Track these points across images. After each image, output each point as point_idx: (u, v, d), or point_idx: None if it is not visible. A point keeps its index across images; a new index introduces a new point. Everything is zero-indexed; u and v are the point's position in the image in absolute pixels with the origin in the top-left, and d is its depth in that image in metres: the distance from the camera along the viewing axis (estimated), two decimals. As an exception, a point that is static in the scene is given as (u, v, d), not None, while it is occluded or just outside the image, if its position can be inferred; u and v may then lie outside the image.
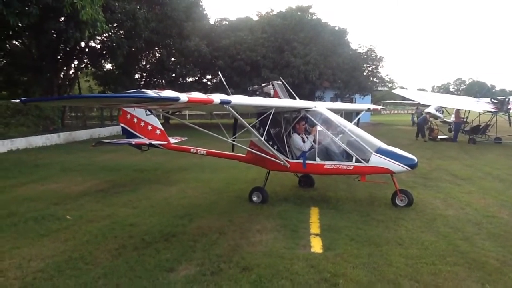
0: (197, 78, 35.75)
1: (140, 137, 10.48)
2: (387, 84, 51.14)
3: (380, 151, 7.84)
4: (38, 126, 20.55)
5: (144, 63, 35.09)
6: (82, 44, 25.84)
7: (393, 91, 35.42)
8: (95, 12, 16.10)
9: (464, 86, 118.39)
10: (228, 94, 6.83)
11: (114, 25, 24.41)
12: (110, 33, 24.01)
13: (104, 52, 27.75)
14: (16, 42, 26.43)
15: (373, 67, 36.96)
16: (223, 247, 5.85)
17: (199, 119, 39.65)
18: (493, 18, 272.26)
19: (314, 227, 6.77)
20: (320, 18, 34.76)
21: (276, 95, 8.90)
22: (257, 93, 9.12)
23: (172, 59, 32.19)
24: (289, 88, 9.44)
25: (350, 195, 9.07)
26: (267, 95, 8.91)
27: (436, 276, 4.91)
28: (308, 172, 8.78)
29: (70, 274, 4.98)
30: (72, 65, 28.45)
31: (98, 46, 27.85)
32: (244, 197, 8.66)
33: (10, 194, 9.38)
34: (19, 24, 17.80)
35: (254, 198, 8.36)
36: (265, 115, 7.79)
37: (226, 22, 34.91)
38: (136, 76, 34.80)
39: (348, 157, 7.86)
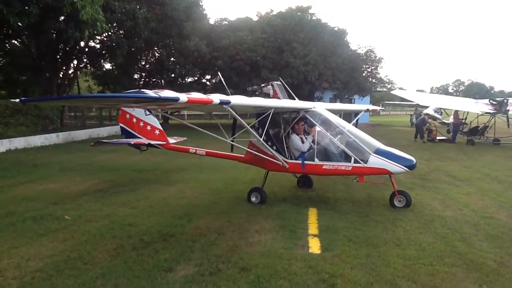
0: (196, 78, 35.76)
1: (139, 137, 10.49)
2: (386, 85, 51.11)
3: (378, 152, 7.85)
4: (37, 125, 20.56)
5: (143, 63, 35.10)
6: (82, 43, 25.85)
7: (392, 92, 35.47)
8: (95, 12, 16.12)
9: (463, 87, 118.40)
10: (227, 94, 6.84)
11: (114, 25, 24.42)
12: (109, 33, 24.03)
13: (104, 52, 27.76)
14: (16, 42, 26.41)
15: (372, 68, 36.93)
16: (221, 248, 5.86)
17: (198, 119, 39.63)
18: (492, 19, 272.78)
19: (312, 228, 6.79)
20: (319, 19, 34.80)
21: (275, 96, 8.91)
22: (257, 93, 9.12)
23: (172, 59, 32.21)
24: (288, 89, 9.45)
25: (349, 196, 9.09)
26: (266, 95, 8.91)
27: (434, 277, 4.92)
28: (306, 172, 8.79)
29: (69, 274, 4.99)
30: (72, 65, 28.45)
31: (98, 46, 27.87)
32: (242, 198, 8.67)
33: (9, 194, 9.38)
34: (19, 24, 17.80)
35: (253, 199, 8.37)
36: (264, 115, 7.80)
37: (226, 22, 34.92)
38: (136, 76, 34.79)
39: (347, 158, 7.87)
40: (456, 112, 22.58)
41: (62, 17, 19.24)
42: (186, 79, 34.83)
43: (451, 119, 24.44)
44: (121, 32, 25.57)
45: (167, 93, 5.34)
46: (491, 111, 20.34)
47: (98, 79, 33.32)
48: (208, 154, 9.57)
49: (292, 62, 29.41)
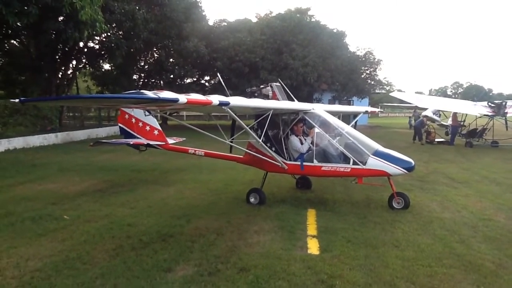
0: (195, 79, 35.75)
1: (138, 138, 10.49)
2: (385, 87, 51.21)
3: (377, 153, 7.87)
4: (36, 126, 20.53)
5: (142, 64, 35.09)
6: (81, 44, 25.87)
7: (390, 94, 35.45)
8: (94, 12, 16.14)
9: (462, 90, 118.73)
10: (226, 95, 6.85)
11: (113, 25, 24.44)
12: (109, 34, 24.06)
13: (103, 53, 27.77)
14: (15, 42, 26.39)
15: (371, 69, 36.97)
16: (220, 248, 5.87)
17: (196, 120, 39.63)
18: (491, 22, 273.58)
19: (311, 229, 6.80)
20: (318, 21, 34.84)
21: (274, 97, 8.91)
22: (256, 94, 9.12)
23: (171, 60, 32.23)
24: (287, 90, 9.47)
25: (347, 197, 9.11)
26: (266, 96, 8.91)
27: (432, 278, 4.94)
28: (305, 174, 8.81)
29: (68, 274, 4.99)
30: (71, 65, 28.48)
31: (97, 47, 27.89)
32: (241, 198, 8.67)
33: (8, 194, 9.37)
34: (18, 24, 17.79)
35: (252, 200, 8.38)
36: (263, 116, 7.82)
37: (225, 24, 34.94)
38: (135, 77, 34.79)
39: (346, 160, 7.88)
40: (455, 114, 22.64)
41: (61, 18, 19.23)
42: (185, 80, 34.82)
43: (449, 121, 24.49)
44: (120, 32, 25.58)
45: (166, 94, 5.36)
46: (490, 114, 20.39)
47: (97, 80, 33.29)
48: (207, 155, 9.58)
49: (291, 64, 29.44)
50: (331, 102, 34.79)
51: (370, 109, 13.52)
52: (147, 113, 10.43)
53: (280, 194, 9.28)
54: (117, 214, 7.68)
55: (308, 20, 34.38)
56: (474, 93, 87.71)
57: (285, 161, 8.29)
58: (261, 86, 9.31)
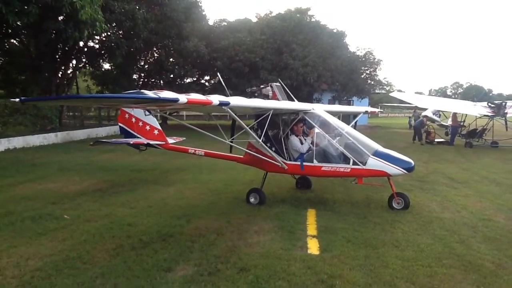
0: (195, 79, 35.76)
1: (138, 137, 10.50)
2: (385, 87, 51.24)
3: (377, 154, 7.87)
4: (36, 125, 20.53)
5: (142, 64, 35.08)
6: (81, 43, 25.86)
7: (390, 94, 35.43)
8: (94, 12, 16.16)
9: (462, 90, 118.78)
10: (226, 95, 6.86)
11: (113, 25, 24.45)
12: (109, 33, 24.06)
13: (103, 52, 27.76)
14: (15, 41, 26.39)
15: (371, 69, 36.97)
16: (220, 248, 5.87)
17: (196, 120, 39.63)
18: (490, 22, 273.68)
19: (311, 229, 6.81)
20: (318, 21, 34.85)
21: (274, 97, 8.92)
22: (256, 94, 9.12)
23: (171, 59, 32.24)
24: (287, 90, 9.47)
25: (347, 197, 9.11)
26: (266, 96, 8.92)
27: (432, 278, 4.95)
28: (305, 174, 8.81)
29: (68, 273, 5.00)
30: (71, 65, 28.47)
31: (97, 46, 27.88)
32: (241, 198, 8.68)
33: (8, 193, 9.37)
34: (18, 23, 17.79)
35: (252, 200, 8.38)
36: (263, 116, 7.82)
37: (225, 23, 34.94)
38: (135, 77, 34.79)
39: (346, 160, 7.88)
40: (455, 114, 22.65)
41: (61, 17, 19.24)
42: (185, 80, 34.83)
43: (449, 122, 24.50)
44: (120, 32, 25.58)
45: (167, 94, 5.36)
46: (490, 114, 20.41)
47: (97, 79, 33.29)
48: (207, 155, 9.58)
49: (291, 64, 29.44)
50: (331, 102, 34.79)
51: (370, 109, 13.51)
52: (147, 112, 10.44)
53: (280, 194, 9.29)
54: (117, 213, 7.69)
55: (308, 20, 34.38)
56: (474, 93, 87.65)
57: (285, 161, 8.29)
58: (261, 86, 9.31)
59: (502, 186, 10.72)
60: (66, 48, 24.75)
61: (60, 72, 27.05)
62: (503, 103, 20.54)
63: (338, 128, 8.32)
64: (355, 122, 11.17)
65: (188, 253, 5.66)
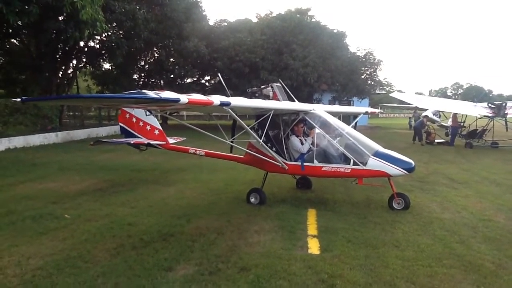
0: (195, 79, 35.78)
1: (138, 137, 10.50)
2: (385, 87, 51.14)
3: (377, 154, 7.88)
4: (36, 125, 20.54)
5: (143, 64, 35.10)
6: (81, 43, 25.87)
7: (390, 94, 35.40)
8: (95, 12, 16.17)
9: (462, 91, 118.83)
10: (227, 95, 6.87)
11: (114, 25, 24.47)
12: (109, 33, 24.07)
13: (103, 52, 27.77)
14: (15, 41, 26.40)
15: (371, 70, 36.99)
16: (221, 247, 5.88)
17: (197, 120, 39.65)
18: (491, 22, 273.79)
19: (312, 229, 6.82)
20: (319, 21, 34.88)
21: (275, 97, 8.93)
22: (256, 95, 9.13)
23: (171, 59, 32.25)
24: (288, 91, 9.48)
25: (347, 197, 9.12)
26: (266, 97, 8.93)
27: (432, 278, 4.95)
28: (306, 174, 8.82)
29: (69, 272, 5.01)
30: (71, 65, 28.48)
31: (97, 46, 27.87)
32: (242, 198, 8.69)
33: (8, 193, 9.39)
34: (19, 23, 17.80)
35: (252, 199, 8.39)
36: (264, 117, 7.84)
37: (226, 24, 34.97)
38: (135, 77, 34.81)
39: (346, 160, 7.89)
40: (455, 115, 22.66)
41: (62, 17, 19.26)
42: (185, 80, 34.85)
43: (449, 122, 24.51)
44: (120, 32, 25.60)
45: (168, 94, 5.37)
46: (490, 115, 20.41)
47: (97, 79, 33.31)
48: (208, 155, 9.58)
49: (291, 64, 29.45)
50: (331, 102, 34.79)
51: (370, 109, 13.50)
52: (148, 112, 10.44)
53: (281, 194, 9.30)
54: (117, 213, 7.70)
55: (308, 21, 34.41)
56: (474, 94, 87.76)
57: (285, 161, 8.30)
58: (262, 87, 9.33)
59: (502, 186, 10.72)
60: (67, 48, 24.77)
61: (61, 72, 27.08)
62: (503, 104, 20.54)
63: (338, 128, 8.33)
64: (355, 123, 11.18)
65: (188, 253, 5.67)
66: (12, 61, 27.21)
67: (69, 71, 28.48)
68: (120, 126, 10.91)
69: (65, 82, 27.75)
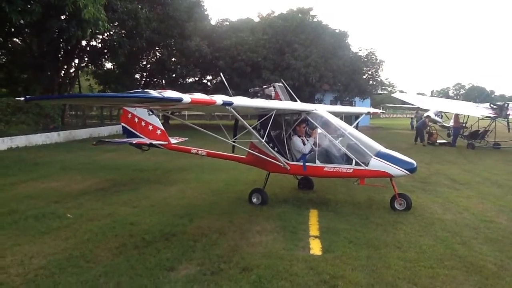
0: (197, 79, 35.82)
1: (140, 137, 10.52)
2: (387, 87, 51.23)
3: (379, 154, 7.87)
4: (38, 124, 20.61)
5: (144, 63, 35.17)
6: (83, 42, 25.94)
7: (392, 95, 35.52)
8: (97, 11, 16.20)
9: (464, 91, 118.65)
10: (229, 95, 6.87)
11: (116, 24, 24.53)
12: (111, 32, 24.13)
13: (105, 51, 27.83)
14: (17, 40, 26.45)
15: (373, 70, 36.98)
16: (223, 248, 5.89)
17: (198, 120, 39.67)
18: (493, 23, 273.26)
19: (313, 229, 6.81)
20: (321, 21, 34.90)
21: (277, 97, 8.93)
22: (258, 94, 9.13)
23: (173, 59, 32.29)
24: (290, 90, 9.48)
25: (349, 198, 9.12)
26: (268, 97, 8.93)
27: (434, 279, 4.95)
28: (308, 174, 8.81)
29: (72, 272, 5.02)
30: (73, 64, 28.52)
31: (99, 45, 27.94)
32: (244, 198, 8.69)
33: (10, 192, 9.41)
34: (21, 22, 17.84)
35: (254, 200, 8.39)
36: (266, 117, 7.84)
37: (227, 23, 35.01)
38: (137, 76, 34.89)
39: (348, 160, 7.88)
40: (457, 115, 22.61)
41: (64, 16, 19.32)
42: (187, 79, 34.91)
43: (451, 123, 24.45)
44: (122, 31, 25.65)
45: (171, 94, 5.37)
46: (492, 115, 20.37)
47: (99, 78, 33.38)
48: (210, 155, 9.58)
49: (293, 64, 29.46)
50: (333, 102, 34.79)
51: (372, 110, 13.50)
52: (150, 112, 10.45)
53: (282, 195, 9.30)
54: (119, 213, 7.71)
55: (310, 20, 34.41)
56: (476, 94, 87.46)
57: (287, 161, 8.30)
58: (264, 86, 9.33)
59: (504, 187, 10.70)
60: (69, 47, 24.83)
61: (63, 71, 27.14)
62: (505, 105, 20.49)
63: (340, 128, 8.33)
64: (357, 123, 11.17)
65: (190, 253, 5.68)
66: (14, 60, 27.29)
67: (71, 70, 28.54)
68: (122, 126, 10.93)
69: (67, 81, 27.82)
